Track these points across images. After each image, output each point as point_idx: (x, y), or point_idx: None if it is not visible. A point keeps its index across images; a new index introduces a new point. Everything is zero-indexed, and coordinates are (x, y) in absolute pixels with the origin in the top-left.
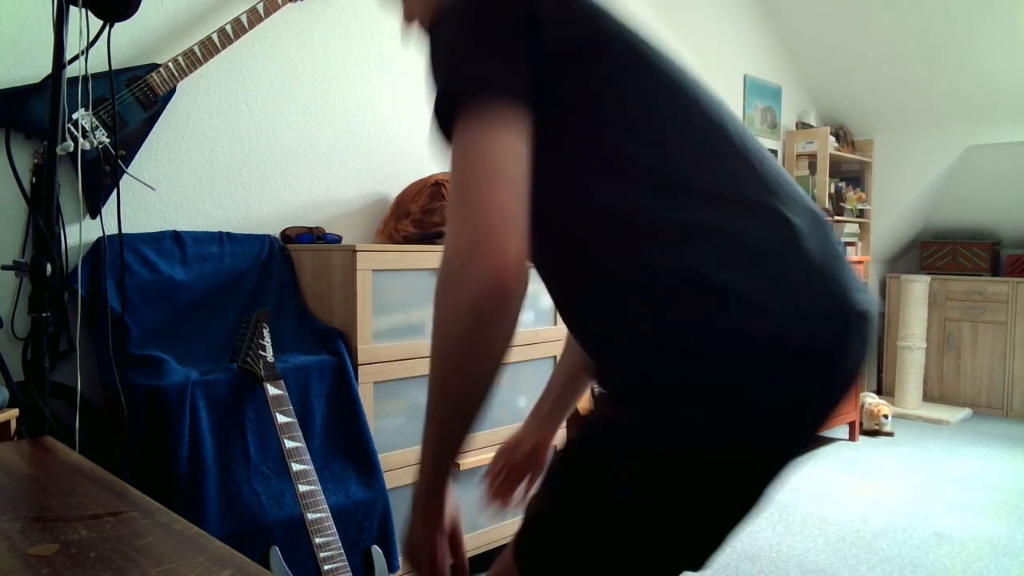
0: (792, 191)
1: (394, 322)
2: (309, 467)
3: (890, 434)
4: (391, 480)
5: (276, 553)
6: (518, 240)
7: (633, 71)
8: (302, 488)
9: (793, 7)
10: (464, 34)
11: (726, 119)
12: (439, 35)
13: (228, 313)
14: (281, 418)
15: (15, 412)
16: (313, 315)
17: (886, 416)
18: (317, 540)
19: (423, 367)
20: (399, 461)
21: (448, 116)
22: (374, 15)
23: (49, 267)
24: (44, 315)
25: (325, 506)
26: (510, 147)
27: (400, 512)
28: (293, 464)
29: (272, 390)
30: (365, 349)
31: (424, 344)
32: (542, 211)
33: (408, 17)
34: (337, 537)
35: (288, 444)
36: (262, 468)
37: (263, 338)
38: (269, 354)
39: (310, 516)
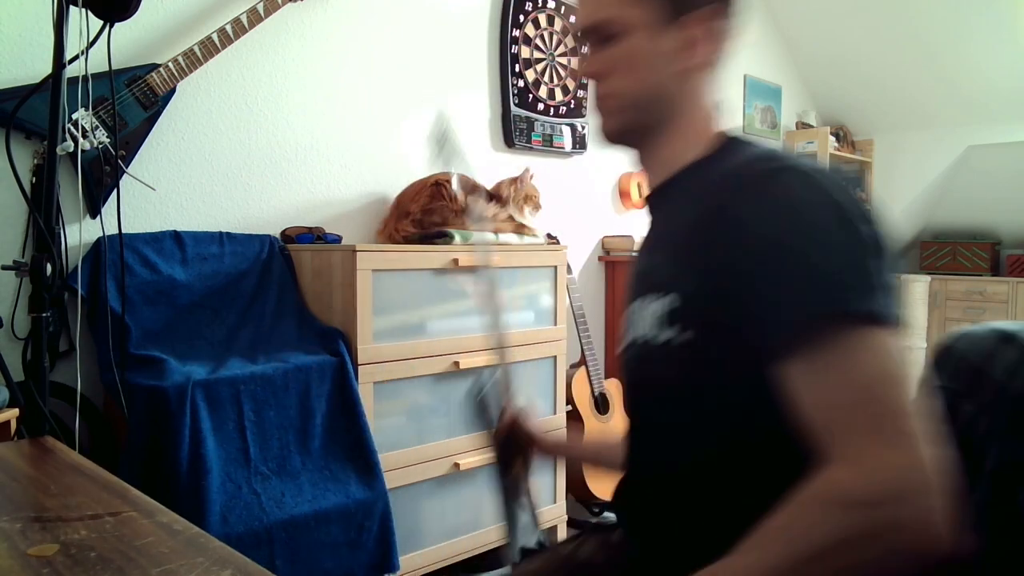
0: None
1: (394, 322)
2: None
3: None
4: (391, 480)
5: (490, 376)
6: (945, 512)
7: None
8: None
9: (793, 7)
10: (860, 256)
11: None
12: (804, 234)
13: (228, 313)
14: None
15: (15, 412)
16: (313, 315)
17: None
18: None
19: (423, 367)
20: (399, 461)
21: (836, 319)
22: (374, 15)
23: (49, 267)
24: (44, 315)
25: None
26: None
27: (400, 512)
28: None
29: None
30: (365, 349)
31: (423, 343)
32: None
33: (594, 76)
34: None
35: None
36: (262, 468)
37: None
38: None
39: None
